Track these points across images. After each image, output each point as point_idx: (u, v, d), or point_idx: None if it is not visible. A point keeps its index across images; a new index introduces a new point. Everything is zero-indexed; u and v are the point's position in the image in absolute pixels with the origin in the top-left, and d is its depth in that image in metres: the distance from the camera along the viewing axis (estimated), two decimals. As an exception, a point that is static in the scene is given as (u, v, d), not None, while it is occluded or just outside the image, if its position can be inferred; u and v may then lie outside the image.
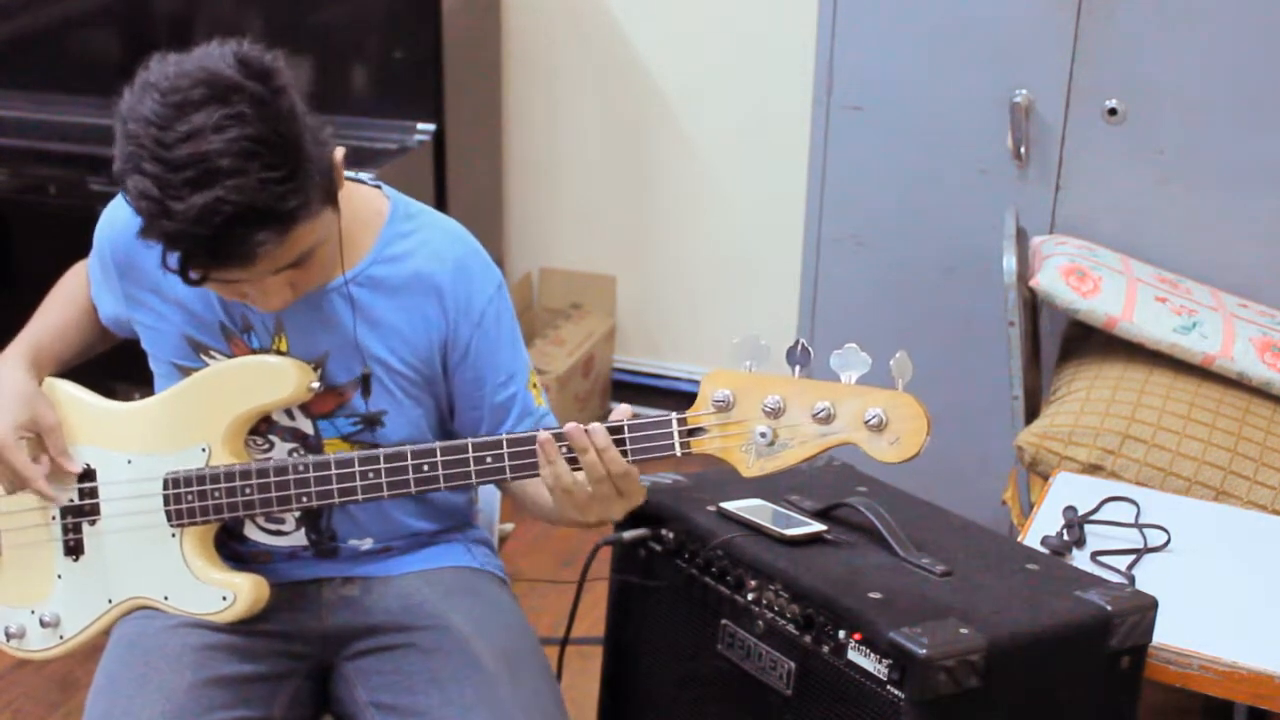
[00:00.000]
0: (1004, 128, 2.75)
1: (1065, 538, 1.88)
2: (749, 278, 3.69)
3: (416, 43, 3.23)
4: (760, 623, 1.62)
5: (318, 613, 1.78)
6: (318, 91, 3.26)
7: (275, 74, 1.48)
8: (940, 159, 2.83)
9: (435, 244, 1.71)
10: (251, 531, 1.77)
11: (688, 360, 3.83)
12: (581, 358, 3.66)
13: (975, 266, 2.80)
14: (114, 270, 1.75)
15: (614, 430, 1.54)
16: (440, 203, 3.32)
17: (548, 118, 3.76)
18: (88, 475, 1.74)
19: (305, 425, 1.72)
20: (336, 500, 1.65)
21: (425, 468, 1.61)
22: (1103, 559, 1.84)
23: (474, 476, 1.59)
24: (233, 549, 1.78)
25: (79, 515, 1.74)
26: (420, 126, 3.26)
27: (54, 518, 1.76)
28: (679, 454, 1.53)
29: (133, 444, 1.72)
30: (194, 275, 1.49)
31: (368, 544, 1.79)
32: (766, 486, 1.75)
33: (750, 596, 1.63)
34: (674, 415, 1.52)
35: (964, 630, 1.46)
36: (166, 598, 1.72)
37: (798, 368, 1.48)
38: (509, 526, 2.10)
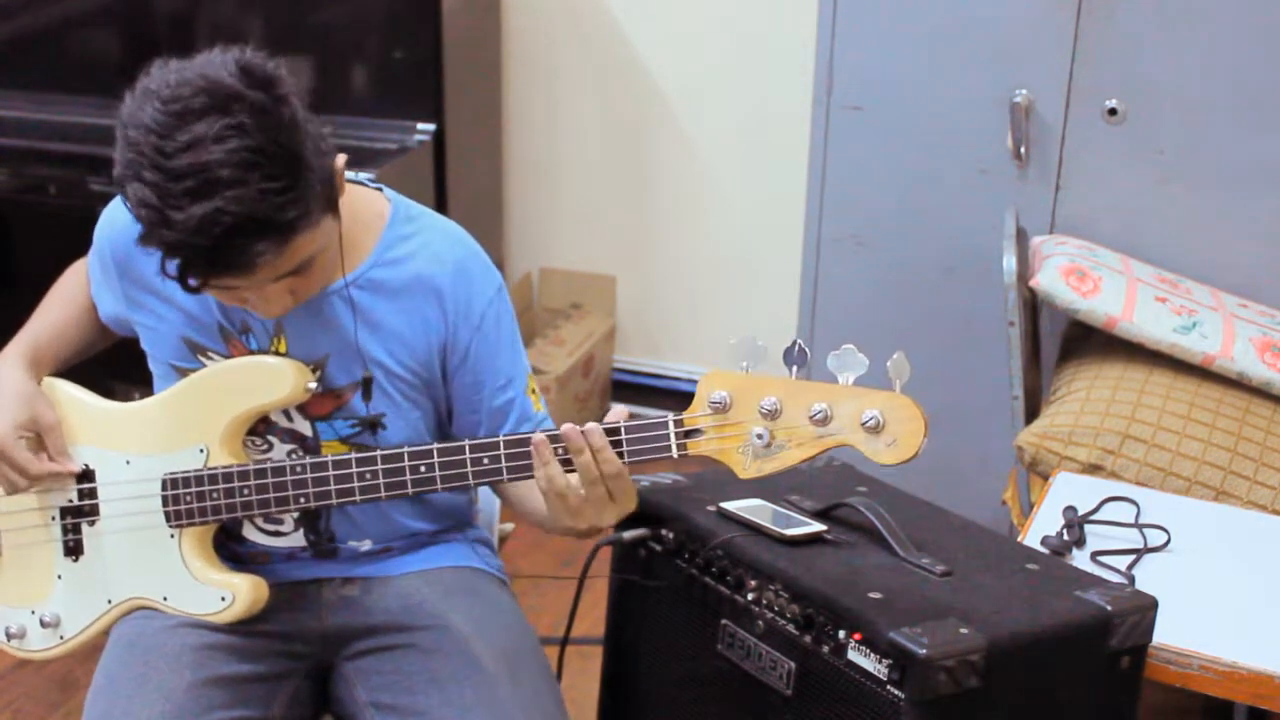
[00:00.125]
0: (1004, 128, 2.75)
1: (1065, 538, 1.88)
2: (749, 278, 3.69)
3: (416, 43, 3.23)
4: (760, 623, 1.62)
5: (317, 613, 1.78)
6: (318, 92, 3.27)
7: (277, 82, 1.48)
8: (940, 159, 2.83)
9: (435, 246, 1.71)
10: (250, 532, 1.77)
11: (688, 360, 3.83)
12: (581, 358, 3.66)
13: (975, 266, 2.80)
14: (113, 270, 1.75)
15: (610, 431, 1.54)
16: (440, 203, 3.32)
17: (548, 118, 3.76)
18: (87, 476, 1.74)
19: (304, 427, 1.72)
20: (334, 501, 1.65)
21: (422, 469, 1.61)
22: (1103, 559, 1.84)
23: (471, 478, 1.59)
24: (232, 550, 1.78)
25: (78, 516, 1.74)
26: (420, 126, 3.26)
27: (53, 518, 1.76)
28: (675, 455, 1.53)
29: (131, 444, 1.72)
30: (193, 283, 1.49)
31: (367, 545, 1.79)
32: (766, 486, 1.75)
33: (750, 596, 1.63)
34: (670, 416, 1.52)
35: (964, 630, 1.46)
36: (165, 598, 1.72)
37: (795, 368, 1.48)
38: (509, 526, 2.10)
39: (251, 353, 1.70)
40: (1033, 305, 2.65)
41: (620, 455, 1.53)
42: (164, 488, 1.69)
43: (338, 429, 1.71)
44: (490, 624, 1.76)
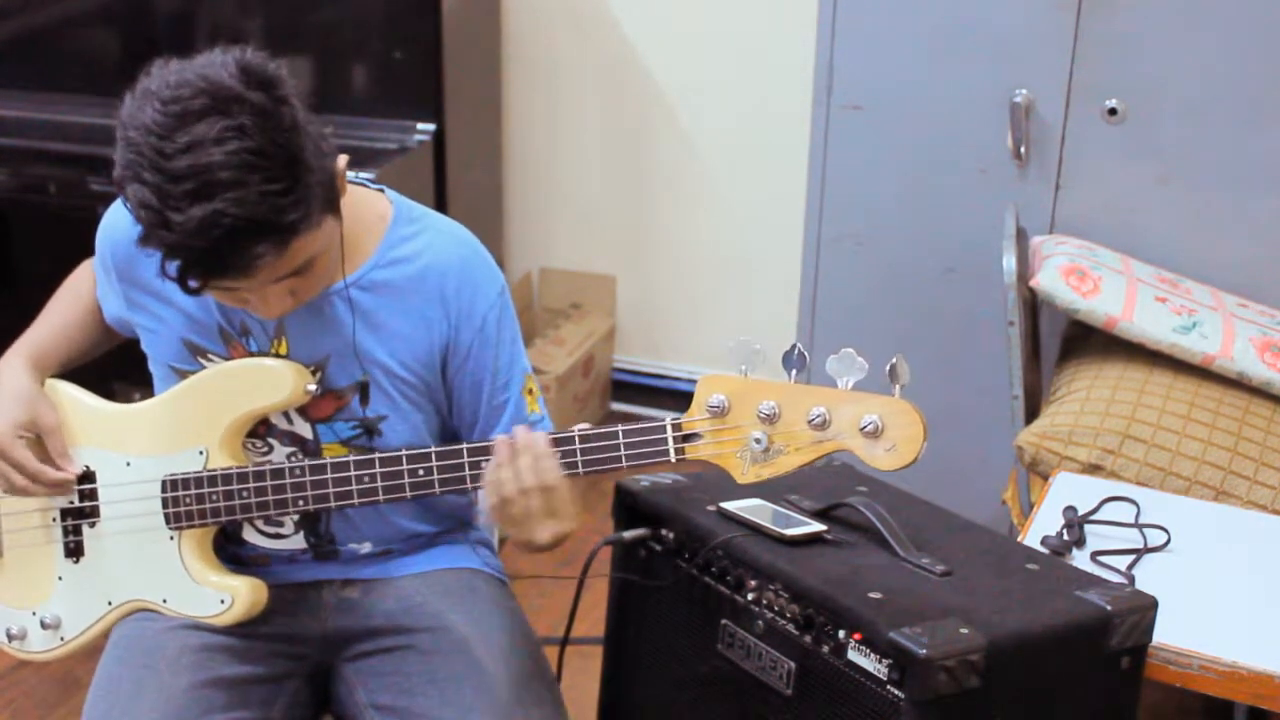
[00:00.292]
0: (1004, 128, 2.75)
1: (1065, 538, 1.88)
2: (749, 278, 3.69)
3: (416, 43, 3.23)
4: (760, 623, 1.62)
5: (317, 615, 1.78)
6: (318, 92, 3.27)
7: (278, 83, 1.47)
8: (940, 159, 2.83)
9: (439, 247, 1.71)
10: (250, 535, 1.77)
11: (687, 360, 3.82)
12: (581, 358, 3.66)
13: (975, 266, 2.80)
14: (114, 273, 1.75)
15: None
16: (440, 203, 3.32)
17: (548, 118, 3.75)
18: (87, 477, 1.74)
19: (304, 429, 1.72)
20: (333, 504, 1.65)
21: (420, 472, 1.61)
22: (1103, 559, 1.84)
23: (469, 482, 1.59)
24: (232, 552, 1.78)
25: (79, 517, 1.75)
26: (420, 126, 3.26)
27: (54, 519, 1.76)
28: (674, 460, 1.52)
29: (132, 446, 1.72)
30: (193, 284, 1.49)
31: (366, 547, 1.79)
32: (766, 486, 1.74)
33: (750, 596, 1.63)
34: (669, 420, 1.51)
35: (964, 630, 1.46)
36: (165, 600, 1.72)
37: (794, 372, 1.47)
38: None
39: (251, 355, 1.70)
40: (1033, 305, 2.65)
41: (618, 459, 1.52)
42: (164, 489, 1.69)
43: (338, 431, 1.71)
44: (490, 625, 1.76)
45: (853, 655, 1.50)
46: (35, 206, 3.23)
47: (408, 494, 1.62)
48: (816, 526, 1.69)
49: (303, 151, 1.47)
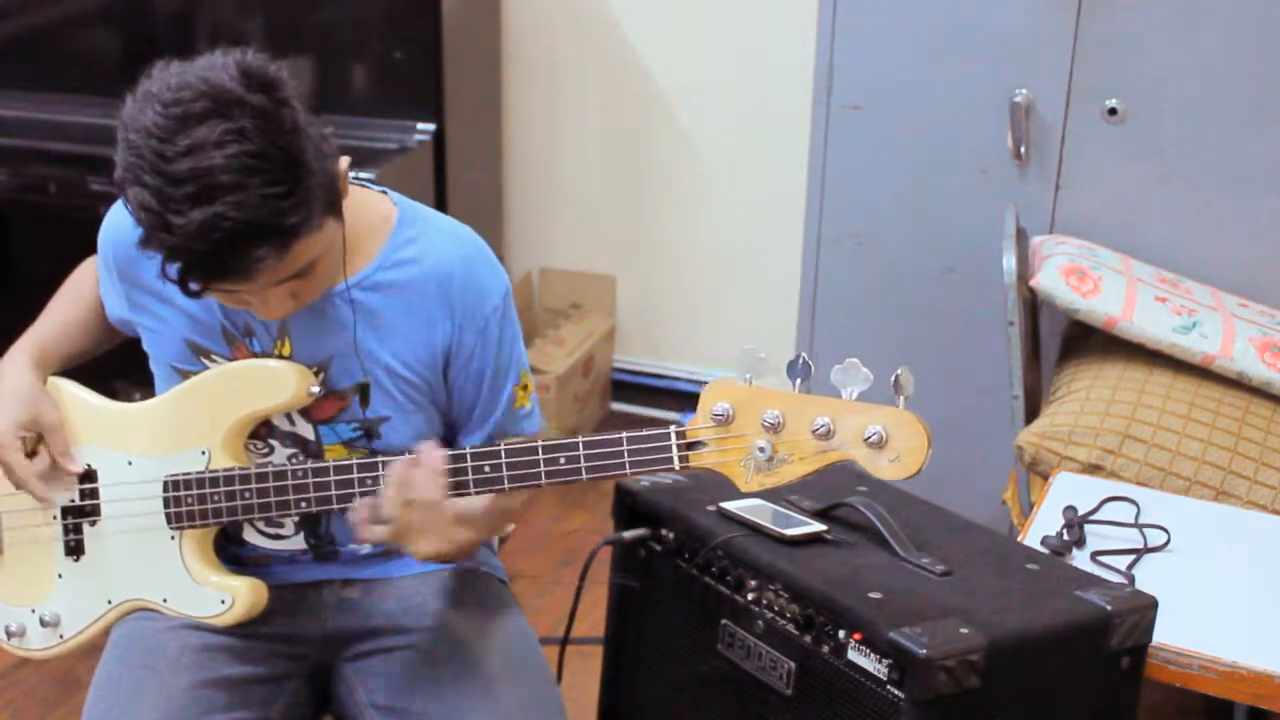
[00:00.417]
0: (1004, 128, 2.75)
1: (1065, 538, 1.88)
2: (749, 278, 3.69)
3: (416, 43, 3.23)
4: (760, 623, 1.62)
5: (317, 615, 1.78)
6: (318, 92, 3.26)
7: (278, 86, 1.47)
8: (940, 159, 2.83)
9: (444, 249, 1.70)
10: (251, 535, 1.77)
11: (687, 360, 3.83)
12: (581, 358, 3.66)
13: (975, 266, 2.80)
14: (116, 273, 1.74)
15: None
16: (440, 203, 3.32)
17: (548, 118, 3.76)
18: (89, 476, 1.74)
19: (306, 430, 1.72)
20: (335, 506, 1.64)
21: None
22: (1103, 559, 1.84)
23: (471, 486, 1.59)
24: (233, 552, 1.78)
25: (80, 515, 1.75)
26: (420, 126, 3.26)
27: (55, 517, 1.76)
28: (677, 467, 1.52)
29: (133, 445, 1.72)
30: (194, 287, 1.49)
31: (366, 548, 1.79)
32: (766, 486, 1.75)
33: (750, 596, 1.63)
34: (673, 428, 1.51)
35: (964, 630, 1.46)
36: (165, 600, 1.72)
37: (799, 381, 1.47)
38: (509, 527, 2.10)
39: (254, 355, 1.70)
40: (1033, 305, 2.65)
41: (621, 465, 1.52)
42: (165, 489, 1.69)
43: (340, 433, 1.71)
44: (490, 625, 1.76)
45: (853, 655, 1.50)
46: (35, 206, 3.23)
47: (408, 495, 1.62)
48: (816, 526, 1.69)
49: (304, 154, 1.46)
